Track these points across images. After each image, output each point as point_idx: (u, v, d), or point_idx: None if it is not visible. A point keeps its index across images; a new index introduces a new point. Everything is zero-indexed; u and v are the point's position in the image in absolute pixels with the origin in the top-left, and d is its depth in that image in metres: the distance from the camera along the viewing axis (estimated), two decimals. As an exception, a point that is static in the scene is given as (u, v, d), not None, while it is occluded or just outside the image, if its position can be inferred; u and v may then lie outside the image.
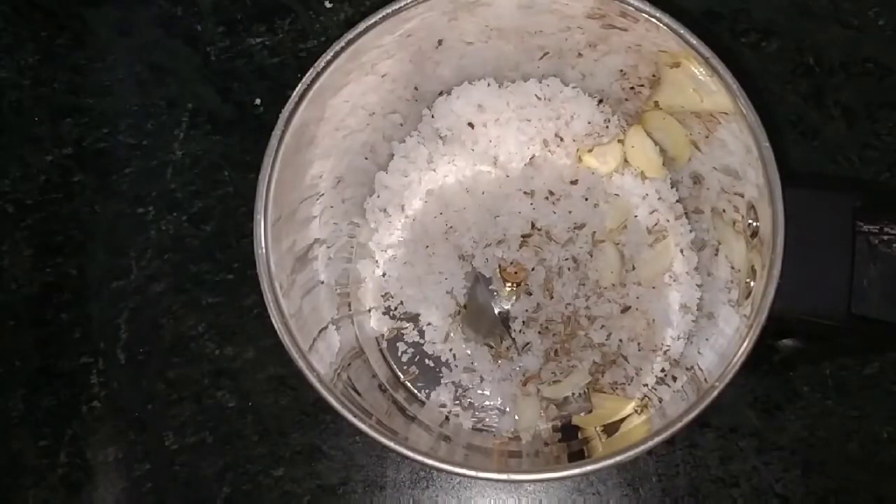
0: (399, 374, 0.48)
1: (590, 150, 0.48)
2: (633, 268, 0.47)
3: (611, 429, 0.45)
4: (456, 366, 0.47)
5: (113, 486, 0.50)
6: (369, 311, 0.49)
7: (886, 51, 0.53)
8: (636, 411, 0.46)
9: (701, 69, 0.39)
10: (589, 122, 0.48)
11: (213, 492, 0.49)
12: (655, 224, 0.48)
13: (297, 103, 0.39)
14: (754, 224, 0.39)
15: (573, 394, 0.46)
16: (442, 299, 0.47)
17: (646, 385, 0.46)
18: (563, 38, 0.44)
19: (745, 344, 0.36)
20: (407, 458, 0.37)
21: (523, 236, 0.47)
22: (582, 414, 0.46)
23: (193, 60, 0.54)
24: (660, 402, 0.45)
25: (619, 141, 0.49)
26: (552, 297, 0.47)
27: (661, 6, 0.38)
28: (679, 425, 0.35)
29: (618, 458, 0.35)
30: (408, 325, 0.48)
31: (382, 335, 0.48)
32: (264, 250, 0.38)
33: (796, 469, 0.48)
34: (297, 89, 0.39)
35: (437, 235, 0.48)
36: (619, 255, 0.47)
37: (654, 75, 0.44)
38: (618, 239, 0.48)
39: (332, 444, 0.49)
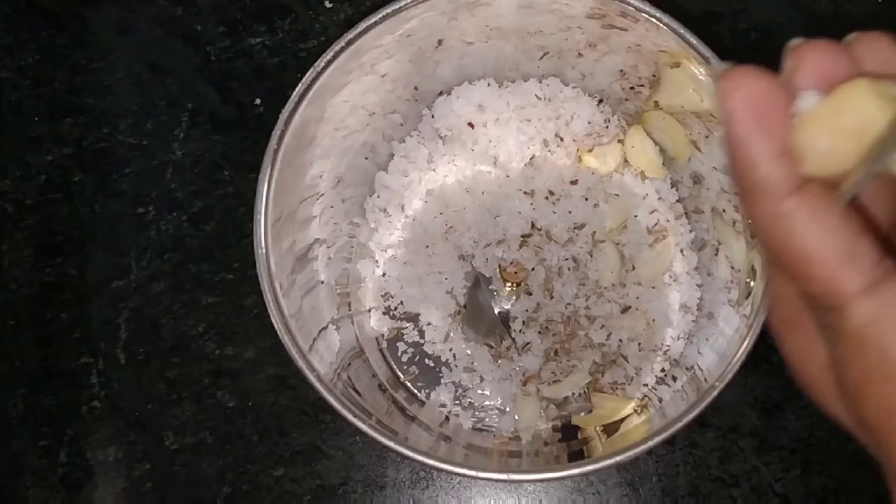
0: (399, 373, 0.48)
1: (590, 150, 0.48)
2: (633, 268, 0.47)
3: (611, 429, 0.45)
4: (456, 366, 0.47)
5: (113, 486, 0.50)
6: (369, 310, 0.49)
7: (886, 51, 0.53)
8: (636, 411, 0.46)
9: (701, 69, 0.39)
10: (589, 122, 0.48)
11: (213, 492, 0.49)
12: (655, 224, 0.48)
13: (297, 103, 0.39)
14: (754, 224, 0.39)
15: (573, 394, 0.46)
16: (442, 299, 0.47)
17: (646, 385, 0.46)
18: (563, 38, 0.44)
19: (745, 344, 0.36)
20: (407, 458, 0.37)
21: (523, 236, 0.47)
22: (582, 414, 0.46)
23: (193, 60, 0.54)
24: (660, 402, 0.45)
25: (619, 141, 0.49)
26: (552, 297, 0.47)
27: (661, 6, 0.38)
28: (679, 425, 0.35)
29: (618, 458, 0.35)
30: (408, 324, 0.48)
31: (382, 335, 0.48)
32: (264, 250, 0.39)
33: (796, 469, 0.48)
34: (297, 89, 0.39)
35: (437, 235, 0.48)
36: (619, 255, 0.47)
37: (654, 75, 0.44)
38: (618, 239, 0.48)
39: (332, 444, 0.49)
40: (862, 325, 0.20)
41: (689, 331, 0.47)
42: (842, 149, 0.18)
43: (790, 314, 0.24)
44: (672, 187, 0.48)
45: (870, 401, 0.20)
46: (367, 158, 0.48)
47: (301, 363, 0.38)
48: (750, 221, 0.22)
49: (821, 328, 0.22)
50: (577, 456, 0.44)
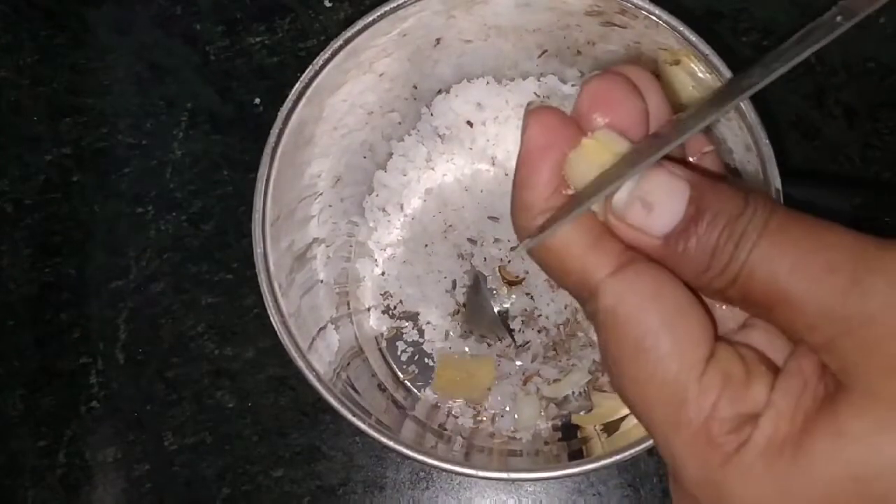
0: (398, 372, 0.48)
1: (589, 149, 0.48)
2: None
3: (611, 428, 0.45)
4: (455, 365, 0.47)
5: (112, 486, 0.50)
6: (368, 310, 0.48)
7: (887, 50, 0.52)
8: (636, 410, 0.45)
9: (700, 66, 0.39)
10: (588, 121, 0.48)
11: (212, 492, 0.49)
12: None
13: (296, 102, 0.39)
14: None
15: (573, 392, 0.46)
16: (441, 298, 0.47)
17: (646, 384, 0.46)
18: (561, 35, 0.44)
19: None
20: (406, 457, 0.37)
21: (523, 235, 0.47)
22: (582, 413, 0.46)
23: (193, 60, 0.54)
24: (660, 401, 0.45)
25: (619, 139, 0.49)
26: (551, 296, 0.47)
27: (662, 4, 0.38)
28: (679, 424, 0.35)
29: (617, 458, 0.35)
30: (407, 323, 0.48)
31: (381, 334, 0.48)
32: (263, 250, 0.38)
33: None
34: (296, 88, 0.39)
35: (435, 234, 0.48)
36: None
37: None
38: (618, 238, 0.48)
39: (332, 444, 0.49)
40: (611, 305, 0.21)
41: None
42: (592, 173, 0.22)
43: None
44: (672, 186, 0.48)
45: (625, 376, 0.21)
46: (365, 157, 0.48)
47: (300, 363, 0.38)
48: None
49: (590, 321, 0.24)
50: (577, 455, 0.44)
